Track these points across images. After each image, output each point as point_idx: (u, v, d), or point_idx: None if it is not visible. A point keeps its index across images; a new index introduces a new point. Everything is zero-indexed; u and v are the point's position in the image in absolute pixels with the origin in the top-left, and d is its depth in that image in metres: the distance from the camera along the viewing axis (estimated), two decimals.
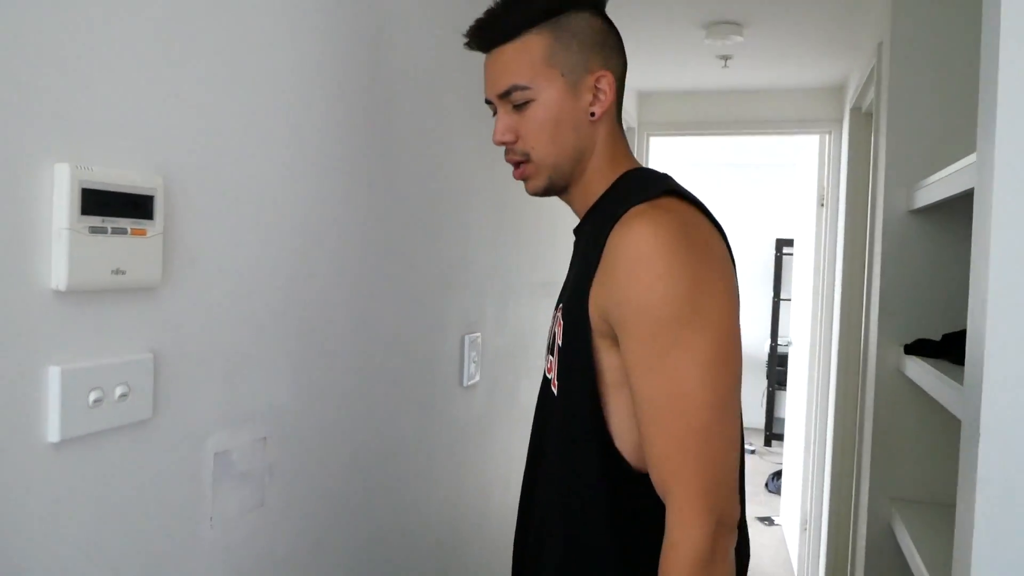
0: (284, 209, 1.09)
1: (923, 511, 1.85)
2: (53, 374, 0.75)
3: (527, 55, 1.00)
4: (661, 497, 0.90)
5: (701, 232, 0.93)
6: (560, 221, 2.44)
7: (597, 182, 1.05)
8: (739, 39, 2.75)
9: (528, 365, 2.18)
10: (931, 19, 2.03)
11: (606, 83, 1.01)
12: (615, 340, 0.93)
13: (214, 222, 0.95)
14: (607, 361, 0.95)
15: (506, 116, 1.03)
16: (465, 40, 1.05)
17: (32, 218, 0.73)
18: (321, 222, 1.17)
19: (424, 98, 1.49)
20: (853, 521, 2.36)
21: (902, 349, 1.88)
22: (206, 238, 0.94)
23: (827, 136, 3.53)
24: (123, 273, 0.82)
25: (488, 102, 1.06)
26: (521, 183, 1.07)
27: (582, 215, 1.08)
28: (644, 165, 1.08)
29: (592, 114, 1.02)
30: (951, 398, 1.40)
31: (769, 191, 6.85)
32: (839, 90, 3.52)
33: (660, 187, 0.96)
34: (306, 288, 1.14)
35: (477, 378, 1.79)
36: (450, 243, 1.63)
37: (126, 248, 0.82)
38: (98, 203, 0.78)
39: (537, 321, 2.24)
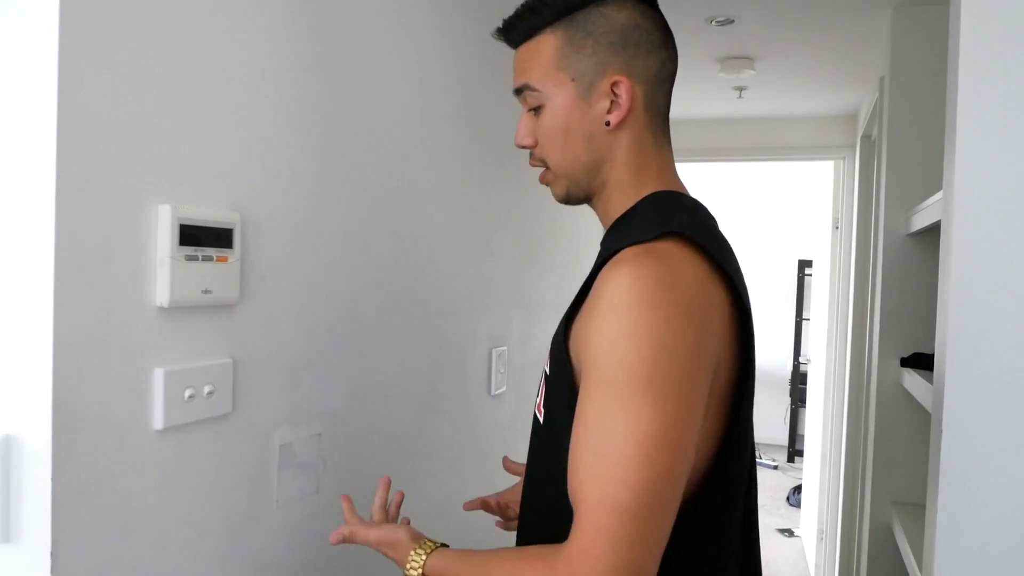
0: (334, 239, 1.27)
1: (919, 512, 1.97)
2: (158, 375, 0.93)
3: (539, 56, 0.93)
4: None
5: (689, 288, 0.81)
6: (579, 244, 2.61)
7: (618, 197, 0.95)
8: (752, 72, 2.91)
9: None
10: (927, 57, 2.17)
11: (623, 89, 0.90)
12: None
13: (279, 250, 1.14)
14: None
15: (525, 118, 0.97)
16: (494, 34, 1.00)
17: (142, 249, 0.91)
18: (367, 249, 1.35)
19: (457, 140, 1.67)
20: (859, 524, 2.48)
21: (899, 362, 2.02)
22: (272, 263, 1.12)
23: (841, 162, 3.67)
24: (210, 292, 1.00)
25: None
26: (540, 200, 1.12)
27: (603, 222, 1.01)
28: (675, 186, 0.97)
29: (608, 123, 0.92)
30: None
31: (791, 213, 6.97)
32: (852, 118, 3.65)
33: (664, 227, 0.84)
34: (354, 306, 1.32)
35: (504, 388, 1.95)
36: (479, 265, 1.80)
37: (212, 272, 1.00)
38: (192, 236, 0.96)
39: None
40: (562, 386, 0.88)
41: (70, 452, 0.82)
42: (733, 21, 2.43)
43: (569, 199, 0.98)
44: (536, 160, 0.98)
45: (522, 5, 0.94)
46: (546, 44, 0.92)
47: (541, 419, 0.95)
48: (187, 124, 0.96)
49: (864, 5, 2.25)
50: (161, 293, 0.93)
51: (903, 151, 2.18)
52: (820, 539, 3.77)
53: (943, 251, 1.25)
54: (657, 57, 0.93)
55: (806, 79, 3.12)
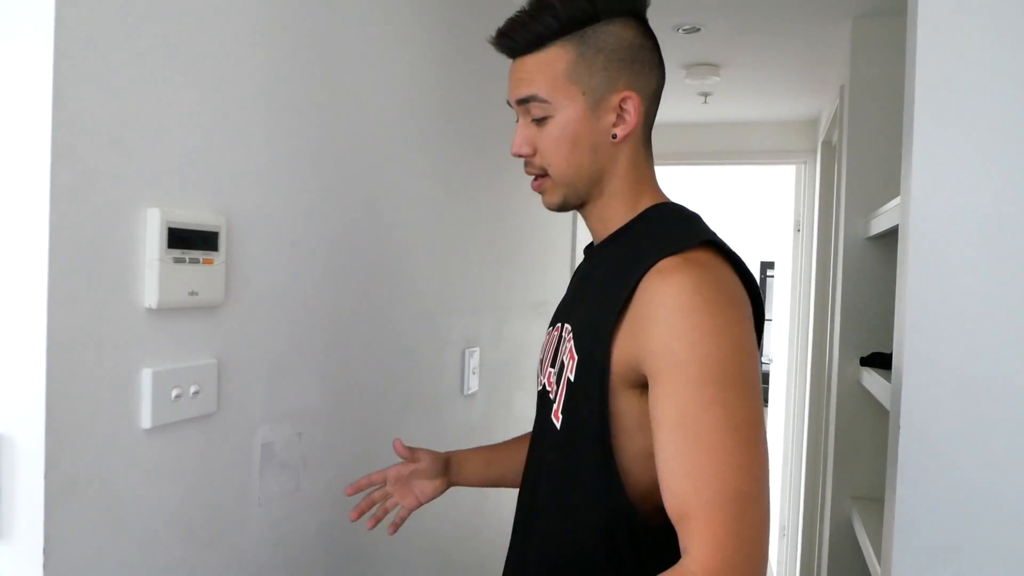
0: (314, 242, 1.29)
1: (878, 507, 2.05)
2: (146, 375, 0.95)
3: (549, 69, 0.94)
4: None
5: (734, 291, 0.87)
6: (551, 246, 2.65)
7: (617, 207, 0.99)
8: (717, 79, 2.98)
9: (521, 376, 2.38)
10: (885, 66, 2.25)
11: (632, 105, 0.95)
12: (639, 387, 0.87)
13: (262, 253, 1.16)
14: (625, 405, 0.89)
15: (524, 128, 0.98)
16: (491, 41, 0.99)
17: (131, 251, 0.93)
18: (346, 252, 1.38)
19: (427, 143, 1.70)
20: (819, 520, 2.56)
21: (859, 361, 2.09)
22: (255, 266, 1.14)
23: (803, 166, 3.77)
24: (196, 294, 1.02)
25: (509, 104, 1.01)
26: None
27: (598, 236, 1.03)
28: (666, 198, 1.03)
29: (614, 136, 0.95)
30: None
31: (754, 216, 7.11)
32: (813, 124, 3.75)
33: (696, 237, 0.90)
34: (332, 308, 1.34)
35: (476, 388, 1.99)
36: (453, 268, 1.83)
37: (199, 274, 1.02)
38: (179, 239, 0.98)
39: (529, 338, 2.44)
40: (593, 391, 0.89)
41: (62, 450, 0.84)
42: (699, 29, 2.49)
43: (563, 207, 1.01)
44: (534, 168, 1.00)
45: (525, 15, 0.94)
46: (556, 57, 0.94)
47: (558, 424, 0.96)
48: (175, 129, 0.98)
49: (825, 16, 2.32)
50: (150, 295, 0.95)
51: (862, 157, 2.26)
52: (782, 535, 3.86)
53: (900, 254, 1.31)
54: (656, 75, 0.99)
55: (769, 86, 3.20)
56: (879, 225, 2.00)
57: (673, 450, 0.81)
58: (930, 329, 1.22)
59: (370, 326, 1.47)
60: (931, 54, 1.23)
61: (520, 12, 0.95)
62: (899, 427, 1.23)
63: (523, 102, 0.96)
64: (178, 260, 0.98)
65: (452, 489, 1.30)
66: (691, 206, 1.05)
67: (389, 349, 1.54)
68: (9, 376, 0.83)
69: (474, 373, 1.98)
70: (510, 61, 1.00)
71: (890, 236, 2.11)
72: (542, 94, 0.94)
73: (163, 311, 0.97)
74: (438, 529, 1.79)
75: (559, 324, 1.03)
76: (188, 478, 1.03)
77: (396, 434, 1.58)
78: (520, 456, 1.22)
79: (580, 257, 1.15)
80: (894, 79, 2.23)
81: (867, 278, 2.21)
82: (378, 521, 1.25)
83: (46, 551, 0.83)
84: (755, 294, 0.92)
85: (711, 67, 2.90)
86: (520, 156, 0.99)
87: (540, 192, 1.02)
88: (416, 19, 1.61)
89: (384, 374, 1.53)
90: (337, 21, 1.32)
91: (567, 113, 0.94)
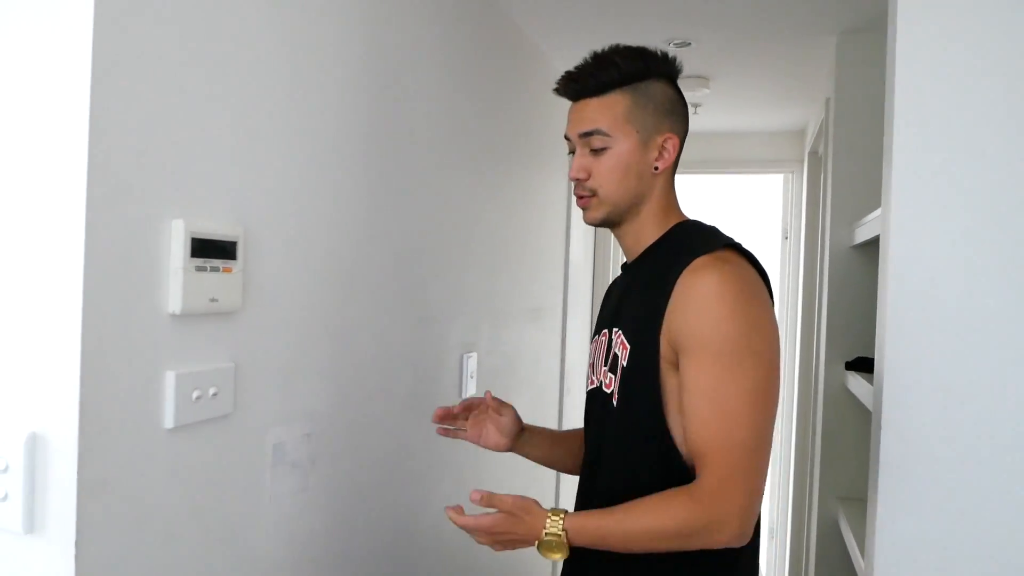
0: (324, 253, 1.34)
1: (863, 506, 2.11)
2: (169, 377, 1.00)
3: (611, 111, 1.16)
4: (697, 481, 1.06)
5: (755, 282, 1.11)
6: (546, 256, 2.71)
7: (650, 226, 1.21)
8: (707, 91, 3.05)
9: (517, 380, 2.44)
10: (869, 81, 2.32)
11: (671, 144, 1.19)
12: (675, 366, 1.09)
13: (276, 261, 1.21)
14: (669, 380, 1.11)
15: (583, 157, 1.19)
16: (556, 88, 1.22)
17: (157, 260, 0.98)
18: (351, 261, 1.43)
19: (431, 157, 1.76)
20: (807, 520, 2.62)
21: (844, 366, 2.16)
22: (270, 274, 1.20)
23: (790, 175, 3.84)
24: (216, 301, 1.07)
25: (567, 138, 1.23)
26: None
27: (632, 252, 1.25)
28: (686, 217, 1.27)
29: (656, 168, 1.19)
30: None
31: (743, 224, 7.20)
32: (800, 134, 3.83)
33: (720, 241, 1.14)
34: (340, 314, 1.40)
35: (474, 391, 2.04)
36: (452, 277, 1.89)
37: (219, 282, 1.07)
38: (201, 248, 1.04)
39: (523, 343, 2.50)
40: (647, 371, 1.12)
41: (93, 449, 0.89)
42: (690, 44, 2.57)
43: (604, 222, 1.23)
44: (585, 190, 1.20)
45: (591, 66, 1.18)
46: (617, 102, 1.17)
47: (615, 402, 1.17)
48: (199, 145, 1.04)
49: (811, 32, 2.40)
50: (174, 301, 1.00)
51: (847, 168, 2.32)
52: (771, 537, 3.93)
53: (881, 263, 1.38)
54: (686, 124, 1.24)
55: (757, 98, 3.28)
56: (863, 234, 2.07)
57: (696, 407, 1.06)
58: (910, 334, 1.28)
59: (374, 332, 1.52)
60: (909, 71, 1.30)
61: (585, 64, 1.18)
62: (881, 428, 1.29)
63: (587, 135, 1.18)
64: (200, 268, 1.03)
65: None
66: (687, 214, 1.25)
67: (392, 354, 1.60)
68: (44, 378, 0.88)
69: (472, 377, 2.03)
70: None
71: (874, 245, 2.17)
72: (605, 129, 1.16)
73: (185, 317, 1.02)
74: (442, 527, 1.84)
75: (605, 331, 1.25)
76: (205, 476, 1.08)
77: (398, 434, 1.63)
78: (578, 444, 1.39)
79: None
80: (877, 93, 2.28)
81: (852, 285, 2.27)
82: (447, 433, 1.40)
83: (78, 544, 0.88)
84: (768, 285, 1.16)
85: (701, 79, 2.98)
86: (576, 180, 1.20)
87: (585, 208, 1.22)
88: (424, 35, 1.67)
89: (387, 378, 1.58)
90: (345, 38, 1.38)
91: (623, 146, 1.17)
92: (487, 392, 1.39)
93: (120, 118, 0.91)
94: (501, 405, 1.38)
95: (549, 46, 2.61)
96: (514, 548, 1.13)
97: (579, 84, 1.19)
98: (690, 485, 1.06)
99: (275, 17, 1.19)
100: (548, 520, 1.07)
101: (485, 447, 1.39)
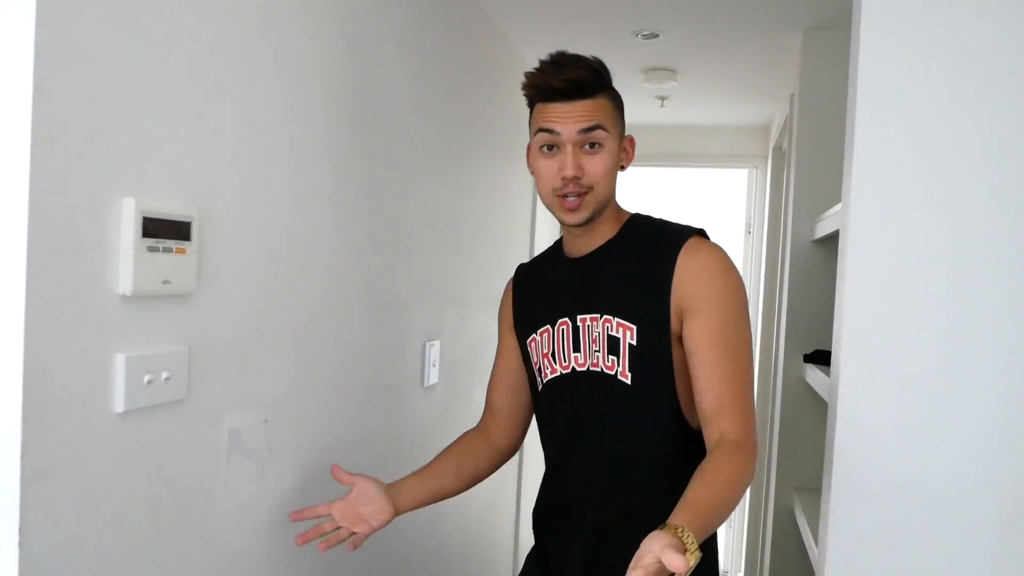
0: (284, 235, 1.32)
1: (819, 496, 2.14)
2: (120, 360, 0.97)
3: (604, 110, 1.24)
4: (710, 429, 1.18)
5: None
6: (509, 244, 2.70)
7: (609, 221, 1.30)
8: (674, 83, 3.06)
9: (480, 370, 2.43)
10: (833, 78, 2.34)
11: (630, 145, 1.31)
12: (679, 337, 1.22)
13: (232, 243, 1.19)
14: (676, 353, 1.23)
15: (576, 155, 1.22)
16: (546, 87, 1.22)
17: (106, 239, 0.95)
18: (310, 245, 1.41)
19: (394, 145, 1.74)
20: (764, 510, 2.66)
21: (803, 358, 2.19)
22: (226, 256, 1.17)
23: (754, 170, 3.88)
24: (169, 283, 1.04)
25: (547, 132, 1.22)
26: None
27: (585, 246, 1.31)
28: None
29: (623, 167, 1.29)
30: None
31: (707, 217, 7.26)
32: (765, 130, 3.87)
33: (693, 227, 1.29)
34: (299, 299, 1.38)
35: (435, 380, 2.03)
36: (414, 264, 1.88)
37: (171, 263, 1.05)
38: (153, 228, 1.01)
39: (487, 332, 2.49)
40: (659, 345, 1.23)
41: (38, 434, 0.87)
42: (658, 35, 2.57)
43: (590, 219, 1.26)
44: (581, 187, 1.23)
45: (581, 69, 1.21)
46: (606, 103, 1.25)
47: (628, 380, 1.25)
48: (151, 121, 1.01)
49: (777, 28, 2.41)
50: (124, 282, 0.97)
51: (810, 164, 2.35)
52: (729, 526, 3.98)
53: (840, 257, 1.40)
54: None
55: (723, 92, 3.30)
56: (824, 229, 2.10)
57: (712, 359, 1.19)
58: (865, 328, 1.30)
59: (335, 318, 1.50)
60: (872, 69, 1.31)
61: (573, 66, 1.21)
62: (836, 419, 1.31)
63: (588, 131, 1.22)
64: (152, 249, 1.01)
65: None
66: (646, 207, 1.36)
67: (353, 340, 1.58)
68: None
69: (434, 366, 2.02)
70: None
71: (834, 239, 2.20)
72: (606, 125, 1.23)
73: (136, 298, 1.00)
74: (401, 516, 1.83)
75: (565, 320, 1.30)
76: (158, 462, 1.05)
77: (358, 423, 1.62)
78: (449, 466, 1.43)
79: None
80: (841, 91, 2.32)
81: (812, 279, 2.30)
82: (330, 545, 1.34)
83: (22, 531, 0.85)
84: None
85: (669, 72, 2.99)
86: (575, 177, 1.22)
87: (577, 208, 1.24)
88: (390, 19, 1.65)
89: (348, 365, 1.57)
90: (310, 17, 1.36)
91: (612, 145, 1.25)
92: (333, 466, 1.37)
93: (67, 90, 0.88)
94: (349, 476, 1.35)
95: (517, 34, 2.60)
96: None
97: (581, 84, 1.22)
98: (729, 440, 1.15)
99: None
100: (681, 536, 0.95)
101: (379, 527, 1.34)
